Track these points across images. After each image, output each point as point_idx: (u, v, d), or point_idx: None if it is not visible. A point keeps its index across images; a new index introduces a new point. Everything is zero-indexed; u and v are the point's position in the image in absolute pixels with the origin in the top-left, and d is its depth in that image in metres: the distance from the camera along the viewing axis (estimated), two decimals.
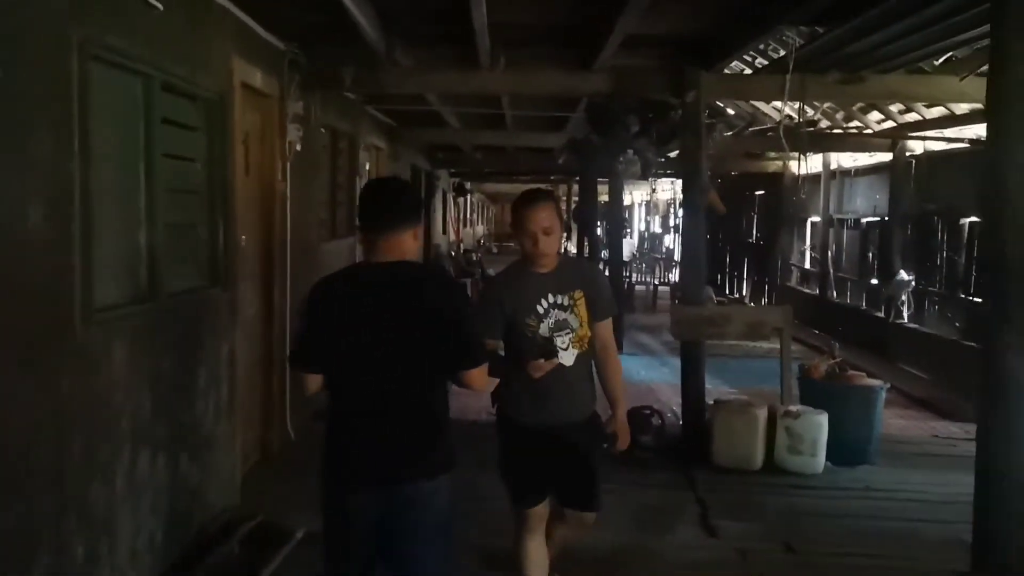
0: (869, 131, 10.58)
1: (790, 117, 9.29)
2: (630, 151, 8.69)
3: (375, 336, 2.68)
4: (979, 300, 8.97)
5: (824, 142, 11.18)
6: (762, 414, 6.01)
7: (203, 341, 4.51)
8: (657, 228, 29.66)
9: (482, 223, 42.55)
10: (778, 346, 6.70)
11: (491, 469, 3.52)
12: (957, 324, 9.36)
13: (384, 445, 2.72)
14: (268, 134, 5.84)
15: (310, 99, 6.54)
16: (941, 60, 6.87)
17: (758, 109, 10.97)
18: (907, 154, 10.56)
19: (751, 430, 5.97)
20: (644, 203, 32.02)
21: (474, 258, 21.19)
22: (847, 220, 12.66)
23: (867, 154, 11.64)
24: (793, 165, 14.07)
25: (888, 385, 6.57)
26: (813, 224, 14.11)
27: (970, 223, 9.30)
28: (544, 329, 3.28)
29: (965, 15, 4.99)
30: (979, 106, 8.56)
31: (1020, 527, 3.67)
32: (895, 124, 10.17)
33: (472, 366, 2.76)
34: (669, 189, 24.09)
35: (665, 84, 6.53)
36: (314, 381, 2.77)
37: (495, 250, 33.81)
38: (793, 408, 6.06)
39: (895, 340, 10.39)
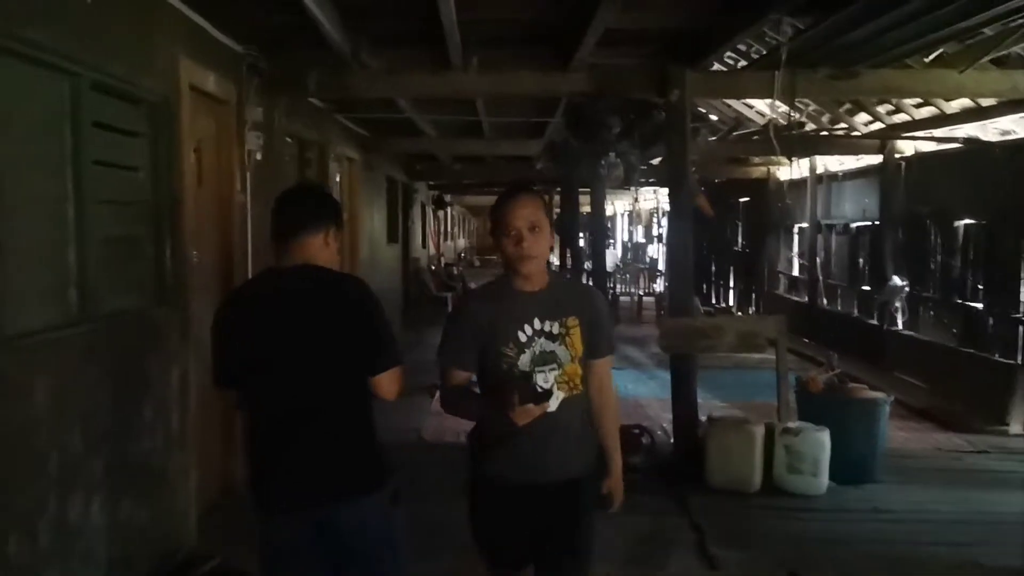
0: (857, 133, 10.30)
1: (778, 119, 9.01)
2: (612, 154, 8.38)
3: (283, 346, 2.51)
4: (976, 305, 8.69)
5: (813, 145, 10.89)
6: (759, 431, 5.67)
7: (148, 367, 4.10)
8: (640, 238, 29.43)
9: (463, 236, 42.29)
10: (770, 356, 6.35)
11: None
12: (954, 330, 9.06)
13: (302, 465, 2.51)
14: (224, 142, 5.43)
15: (273, 106, 6.18)
16: (932, 57, 6.58)
17: (742, 113, 10.69)
18: (897, 156, 10.28)
19: (748, 448, 5.63)
20: (627, 213, 31.77)
21: (455, 271, 21.02)
22: (835, 225, 12.39)
23: (855, 157, 11.35)
24: (778, 170, 13.82)
25: (892, 398, 6.22)
26: (801, 230, 13.83)
27: (965, 225, 9.00)
28: (524, 362, 2.56)
29: (950, 7, 4.71)
30: (971, 104, 8.38)
31: None
32: (884, 126, 9.88)
33: (382, 370, 2.55)
34: (652, 199, 23.82)
35: (648, 83, 6.23)
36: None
37: (477, 263, 33.59)
38: (792, 424, 5.72)
39: (890, 348, 10.07)
